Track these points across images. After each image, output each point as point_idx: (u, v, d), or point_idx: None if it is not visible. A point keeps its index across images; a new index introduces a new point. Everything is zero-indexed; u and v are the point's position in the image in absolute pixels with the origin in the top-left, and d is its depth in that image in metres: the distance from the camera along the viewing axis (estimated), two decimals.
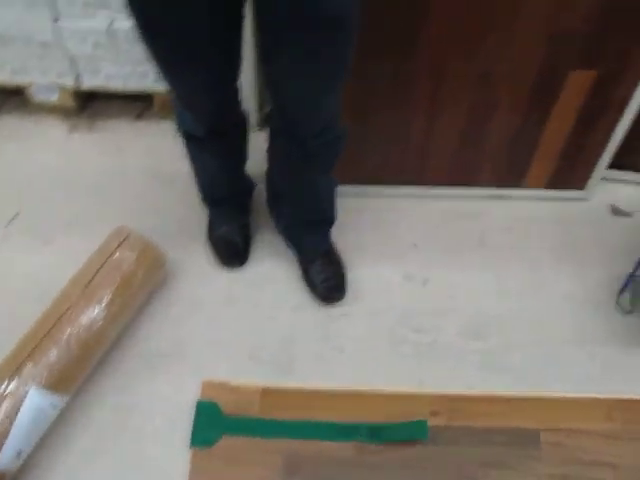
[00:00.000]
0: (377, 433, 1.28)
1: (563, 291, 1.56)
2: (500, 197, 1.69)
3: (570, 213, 1.71)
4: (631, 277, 1.53)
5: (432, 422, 1.31)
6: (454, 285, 1.55)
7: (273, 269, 1.55)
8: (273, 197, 1.49)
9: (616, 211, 1.72)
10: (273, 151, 1.36)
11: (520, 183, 1.67)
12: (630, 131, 1.57)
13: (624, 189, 1.78)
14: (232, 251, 1.53)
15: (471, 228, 1.65)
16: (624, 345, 1.49)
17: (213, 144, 1.31)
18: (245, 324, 1.46)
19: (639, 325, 1.52)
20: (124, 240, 1.39)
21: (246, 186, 1.56)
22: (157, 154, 1.78)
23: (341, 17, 0.95)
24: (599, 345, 1.48)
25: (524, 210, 1.70)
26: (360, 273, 1.54)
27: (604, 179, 1.74)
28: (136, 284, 1.37)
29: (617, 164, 1.72)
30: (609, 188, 1.77)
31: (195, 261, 1.56)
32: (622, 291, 1.55)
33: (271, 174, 1.45)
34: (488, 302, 1.53)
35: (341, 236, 1.56)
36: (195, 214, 1.61)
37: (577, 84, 1.42)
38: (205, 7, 0.94)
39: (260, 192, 1.59)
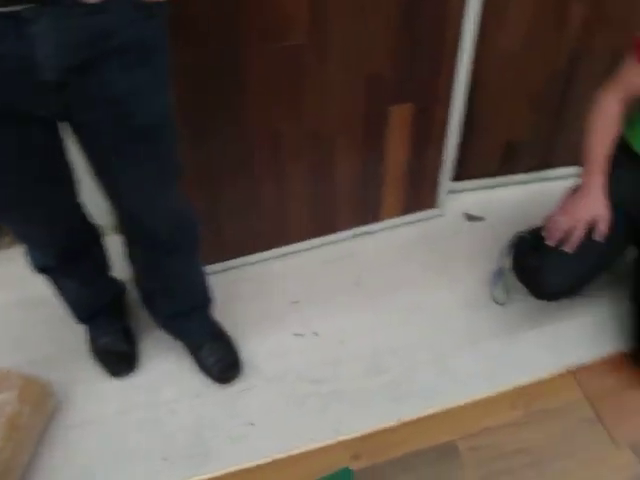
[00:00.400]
0: None
1: (445, 303, 1.66)
2: (364, 234, 1.79)
3: (431, 230, 1.84)
4: (499, 271, 1.65)
5: (356, 466, 1.32)
6: (343, 329, 1.59)
7: (165, 364, 1.53)
8: (146, 296, 1.48)
9: (470, 217, 1.87)
10: (132, 255, 1.36)
11: (379, 217, 1.77)
12: (461, 144, 1.74)
13: (472, 196, 1.95)
14: (118, 360, 1.49)
15: (345, 271, 1.72)
16: (510, 334, 1.60)
17: (68, 270, 1.30)
18: (149, 426, 1.41)
19: (517, 312, 1.64)
20: (1, 382, 1.33)
21: (116, 292, 1.54)
22: (15, 281, 1.70)
23: (155, 125, 1.00)
24: (490, 341, 1.58)
25: (389, 239, 1.80)
26: (251, 344, 1.55)
27: (452, 192, 1.90)
28: (24, 423, 1.30)
29: (460, 175, 1.89)
30: (459, 199, 1.93)
31: (85, 378, 1.50)
32: (494, 285, 1.67)
33: (137, 275, 1.44)
34: (380, 336, 1.58)
35: (223, 313, 1.57)
36: (71, 331, 1.55)
37: (399, 117, 1.55)
38: (15, 157, 0.95)
39: (133, 290, 1.58)
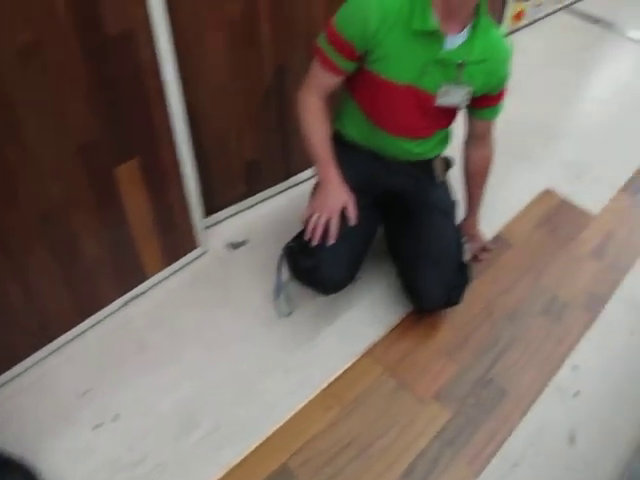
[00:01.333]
0: None
1: (237, 334, 1.67)
2: (135, 297, 1.71)
3: (200, 270, 1.82)
4: (277, 284, 1.70)
5: None
6: (142, 400, 1.51)
7: None
8: None
9: (234, 245, 1.90)
10: None
11: (144, 276, 1.71)
12: (202, 179, 1.75)
13: (229, 224, 1.98)
14: None
15: (126, 341, 1.63)
16: (308, 340, 1.67)
17: None
18: None
19: (306, 318, 1.72)
20: None
21: None
22: None
23: None
24: (291, 354, 1.63)
25: (161, 294, 1.75)
26: (50, 457, 1.39)
27: (209, 227, 1.91)
28: None
29: (212, 208, 1.91)
30: (217, 231, 1.94)
31: None
32: (276, 299, 1.72)
33: None
34: (181, 391, 1.53)
35: (8, 436, 1.39)
36: None
37: (128, 175, 1.49)
38: None
39: None
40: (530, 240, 2.09)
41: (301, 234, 1.56)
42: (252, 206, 2.04)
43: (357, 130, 1.64)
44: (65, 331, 1.59)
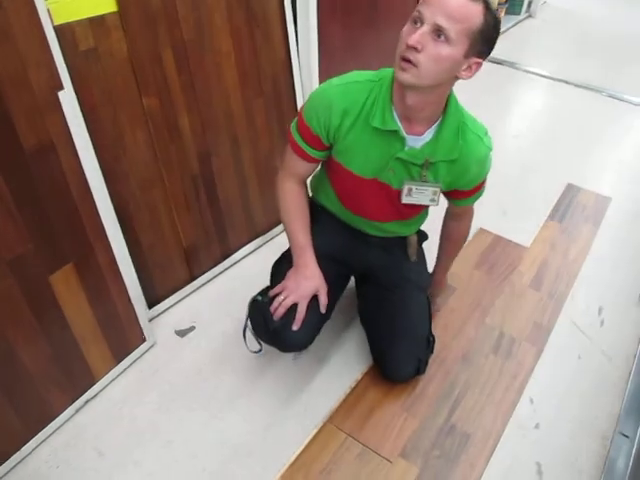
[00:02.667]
0: None
1: (193, 430, 1.63)
2: (86, 403, 1.66)
3: (151, 363, 1.79)
4: (244, 327, 1.64)
5: None
6: None
7: None
8: None
9: (182, 333, 1.89)
10: None
11: (93, 380, 1.67)
12: (142, 273, 1.75)
13: (173, 313, 1.97)
14: None
15: (81, 451, 1.56)
16: (264, 423, 1.65)
17: None
18: None
19: (254, 403, 1.71)
20: None
21: None
22: None
23: None
24: (249, 442, 1.60)
25: (113, 394, 1.70)
26: None
27: (153, 318, 1.90)
28: None
29: (157, 299, 1.90)
30: (163, 321, 1.93)
31: None
32: (245, 339, 1.65)
33: None
34: None
35: None
36: None
37: (63, 281, 1.48)
38: None
39: None
40: (471, 281, 2.16)
41: (268, 289, 1.57)
42: (194, 291, 2.04)
43: (331, 204, 1.68)
44: (16, 450, 1.52)
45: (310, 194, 1.72)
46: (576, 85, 3.74)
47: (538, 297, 2.10)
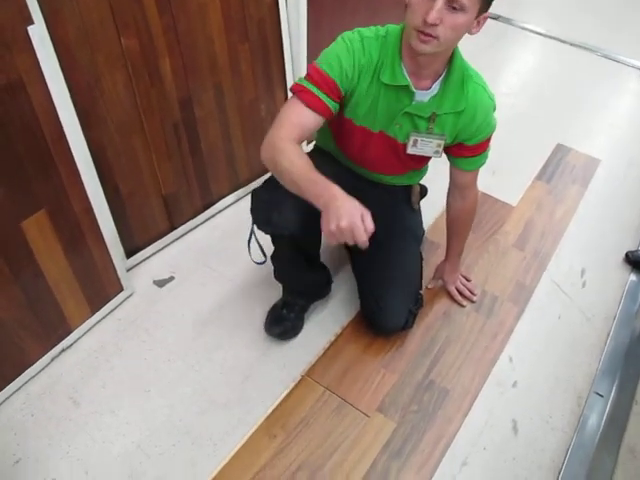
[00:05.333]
0: None
1: (171, 379, 1.62)
2: (62, 352, 1.64)
3: (129, 313, 1.77)
4: (250, 233, 1.54)
5: None
6: (82, 460, 1.43)
7: None
8: None
9: (161, 283, 1.86)
10: None
11: (69, 328, 1.64)
12: (120, 221, 1.71)
13: (152, 263, 1.93)
14: None
15: (58, 398, 1.55)
16: (242, 375, 1.64)
17: None
18: None
19: (232, 356, 1.70)
20: None
21: None
22: None
23: None
24: (226, 393, 1.59)
25: (91, 343, 1.68)
26: None
27: (132, 268, 1.86)
28: None
29: (135, 248, 1.87)
30: (142, 270, 1.90)
31: None
32: (249, 247, 1.56)
33: None
34: (123, 446, 1.47)
35: None
36: None
37: (36, 227, 1.43)
38: None
39: None
40: None
41: (269, 181, 1.45)
42: (174, 241, 2.00)
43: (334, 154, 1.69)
44: None
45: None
46: (572, 44, 3.65)
47: (522, 257, 2.09)
